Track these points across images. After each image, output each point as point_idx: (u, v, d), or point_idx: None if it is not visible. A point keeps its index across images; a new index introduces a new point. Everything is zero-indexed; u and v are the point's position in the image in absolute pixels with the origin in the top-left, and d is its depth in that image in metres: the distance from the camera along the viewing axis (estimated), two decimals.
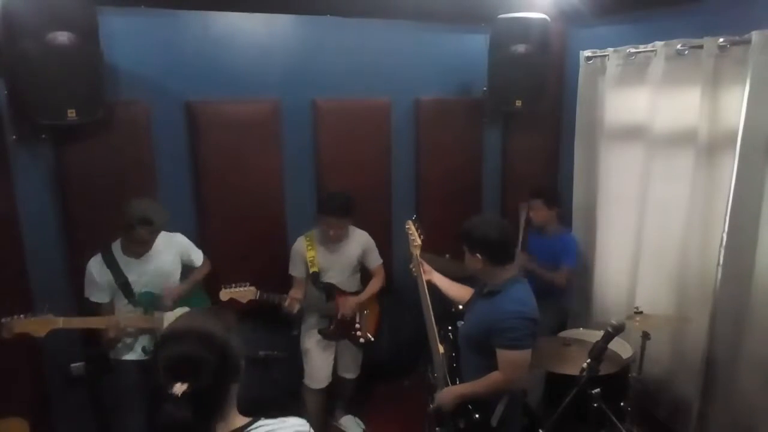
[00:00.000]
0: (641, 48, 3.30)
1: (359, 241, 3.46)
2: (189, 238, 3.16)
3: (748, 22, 2.71)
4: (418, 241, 2.79)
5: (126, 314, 2.84)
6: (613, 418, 2.67)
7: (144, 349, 2.89)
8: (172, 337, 1.34)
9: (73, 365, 3.27)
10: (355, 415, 3.77)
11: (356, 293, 3.49)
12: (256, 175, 3.50)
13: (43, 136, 2.97)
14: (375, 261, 3.53)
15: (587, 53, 3.74)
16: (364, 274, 3.58)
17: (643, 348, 3.00)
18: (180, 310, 2.97)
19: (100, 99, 2.86)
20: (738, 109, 2.75)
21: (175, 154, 3.35)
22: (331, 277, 3.41)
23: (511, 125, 4.25)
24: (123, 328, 2.78)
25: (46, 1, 2.63)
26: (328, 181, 3.69)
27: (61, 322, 2.65)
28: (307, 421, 1.47)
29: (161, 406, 1.24)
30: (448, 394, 2.49)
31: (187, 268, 3.11)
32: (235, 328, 1.41)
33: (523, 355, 2.29)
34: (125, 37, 3.10)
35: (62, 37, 2.64)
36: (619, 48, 3.46)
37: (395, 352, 4.00)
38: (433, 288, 2.77)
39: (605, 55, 3.59)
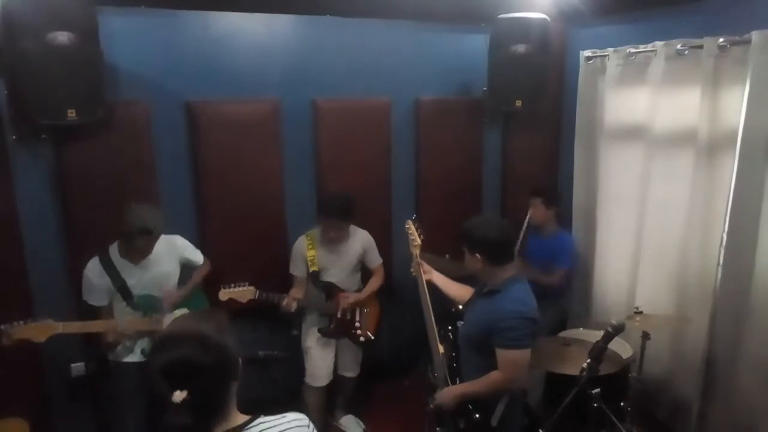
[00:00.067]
0: (641, 48, 3.30)
1: (360, 240, 3.46)
2: (189, 238, 3.16)
3: (748, 22, 2.71)
4: (418, 241, 2.79)
5: (125, 317, 2.83)
6: (613, 418, 2.67)
7: (143, 352, 2.88)
8: (166, 343, 1.33)
9: (73, 365, 3.27)
10: (355, 414, 3.77)
11: (356, 292, 3.49)
12: (256, 175, 3.50)
13: (43, 136, 2.97)
14: (375, 260, 3.54)
15: (587, 53, 3.74)
16: (365, 273, 3.58)
17: (643, 348, 3.00)
18: (180, 311, 2.97)
19: (100, 99, 2.86)
20: (738, 109, 2.75)
21: (175, 154, 3.35)
22: (332, 276, 3.41)
23: (511, 125, 4.25)
24: (122, 332, 2.78)
25: (46, 1, 2.63)
26: (328, 181, 3.69)
27: (60, 327, 2.64)
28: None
29: (161, 413, 1.24)
30: (449, 393, 2.49)
31: (186, 268, 3.10)
32: (229, 328, 1.40)
33: (523, 355, 2.29)
34: (125, 37, 3.10)
35: (62, 37, 2.64)
36: (619, 48, 3.46)
37: (395, 351, 4.00)
38: (433, 288, 2.77)
39: (605, 55, 3.59)
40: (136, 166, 3.19)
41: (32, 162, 3.02)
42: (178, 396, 1.23)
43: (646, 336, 2.97)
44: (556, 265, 3.70)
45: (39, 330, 2.60)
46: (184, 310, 2.98)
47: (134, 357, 2.91)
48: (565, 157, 4.14)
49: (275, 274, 3.46)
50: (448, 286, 2.81)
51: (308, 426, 1.45)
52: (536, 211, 3.78)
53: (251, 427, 1.38)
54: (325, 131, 3.67)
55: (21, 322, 2.58)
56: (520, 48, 3.66)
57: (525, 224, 3.78)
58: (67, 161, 3.06)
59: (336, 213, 3.23)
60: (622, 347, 3.12)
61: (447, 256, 3.62)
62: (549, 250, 3.75)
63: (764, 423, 2.84)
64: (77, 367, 3.27)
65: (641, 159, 3.37)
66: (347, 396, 3.73)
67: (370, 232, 3.52)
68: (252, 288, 3.20)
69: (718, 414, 3.09)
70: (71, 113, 2.73)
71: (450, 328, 3.09)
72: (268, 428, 1.39)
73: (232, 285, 3.18)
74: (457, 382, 2.57)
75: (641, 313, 3.00)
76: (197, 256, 3.13)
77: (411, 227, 2.84)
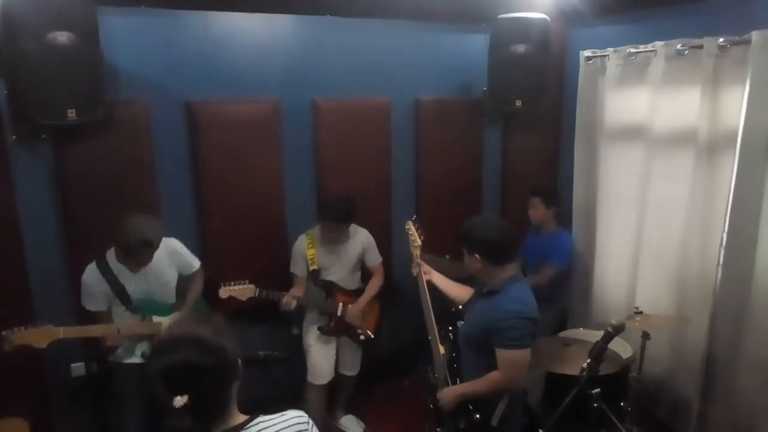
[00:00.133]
0: (641, 48, 3.30)
1: (360, 239, 3.47)
2: (189, 238, 3.16)
3: (748, 22, 2.71)
4: (418, 242, 2.79)
5: (124, 321, 2.82)
6: (613, 418, 2.67)
7: (143, 355, 2.88)
8: (165, 347, 1.33)
9: (73, 365, 3.27)
10: (355, 414, 3.77)
11: (356, 291, 3.50)
12: (256, 175, 3.50)
13: (43, 136, 2.97)
14: (375, 259, 3.54)
15: (587, 53, 3.74)
16: (365, 271, 3.58)
17: (643, 348, 3.00)
18: (178, 315, 2.97)
19: (100, 99, 2.86)
20: (738, 109, 2.75)
21: (175, 154, 3.35)
22: (332, 275, 3.42)
23: (511, 125, 4.25)
24: (122, 336, 2.77)
25: (46, 1, 2.63)
26: (328, 181, 3.69)
27: (61, 332, 2.62)
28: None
29: (161, 413, 1.24)
30: (449, 393, 2.49)
31: (182, 277, 3.06)
32: (227, 330, 1.40)
33: (523, 355, 2.29)
34: (125, 37, 3.10)
35: (62, 37, 2.64)
36: (619, 48, 3.46)
37: (395, 352, 4.00)
38: (433, 288, 2.77)
39: (605, 55, 3.59)
40: (136, 166, 3.19)
41: (32, 162, 3.02)
42: (179, 401, 1.23)
43: (646, 336, 2.97)
44: (548, 265, 3.70)
45: (40, 335, 2.59)
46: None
47: (134, 359, 2.90)
48: (565, 157, 4.14)
49: (275, 274, 3.46)
50: (447, 286, 2.82)
51: (308, 423, 1.46)
52: (536, 211, 3.78)
53: (250, 426, 1.39)
54: (325, 131, 3.67)
55: (22, 327, 2.57)
56: (520, 48, 3.66)
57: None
58: (67, 161, 3.06)
59: (336, 215, 3.23)
60: (622, 347, 3.12)
61: (447, 256, 3.62)
62: (547, 250, 3.75)
63: (764, 423, 2.84)
64: (77, 367, 3.28)
65: (641, 159, 3.37)
66: (347, 395, 3.72)
67: (370, 232, 3.52)
68: (252, 286, 3.20)
69: (718, 414, 3.09)
70: (71, 113, 2.73)
71: (450, 328, 3.09)
72: (267, 427, 1.40)
73: (233, 283, 3.18)
74: (458, 382, 2.58)
75: (641, 313, 3.00)
76: (193, 261, 3.09)
77: (411, 228, 2.85)
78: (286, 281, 3.41)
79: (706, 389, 3.14)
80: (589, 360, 2.29)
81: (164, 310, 2.93)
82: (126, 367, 2.89)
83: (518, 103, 3.77)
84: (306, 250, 3.36)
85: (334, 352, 3.50)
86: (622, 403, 2.90)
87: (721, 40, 2.80)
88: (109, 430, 3.21)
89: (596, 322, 3.73)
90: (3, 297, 2.88)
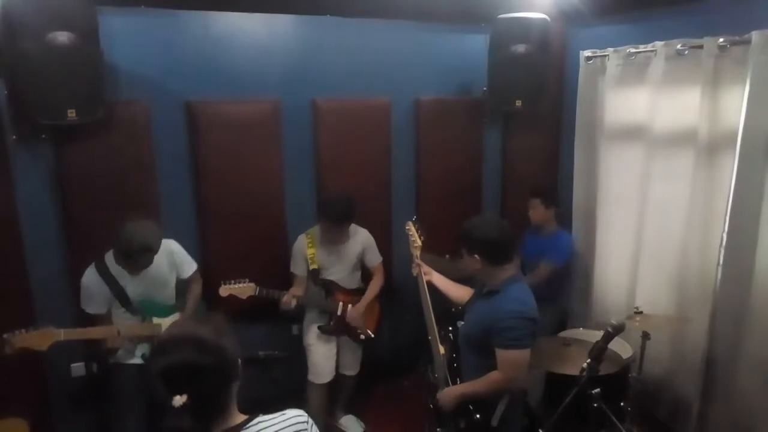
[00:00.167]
0: (641, 48, 3.30)
1: (360, 239, 3.47)
2: (189, 238, 3.16)
3: (748, 22, 2.71)
4: (419, 242, 2.79)
5: (124, 322, 2.82)
6: (613, 418, 2.67)
7: (143, 356, 2.88)
8: (165, 347, 1.33)
9: (73, 365, 3.27)
10: (355, 414, 3.77)
11: (356, 290, 3.50)
12: (256, 175, 3.50)
13: (43, 136, 2.97)
14: (375, 259, 3.54)
15: (587, 53, 3.74)
16: (365, 271, 3.58)
17: (643, 348, 3.00)
18: (177, 316, 2.97)
19: (100, 99, 2.86)
20: (738, 109, 2.75)
21: (175, 154, 3.35)
22: (332, 275, 3.42)
23: (511, 125, 4.25)
24: (122, 338, 2.77)
25: (46, 1, 2.63)
26: (328, 181, 3.69)
27: (62, 335, 2.62)
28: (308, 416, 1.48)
29: (161, 413, 1.24)
30: (449, 393, 2.49)
31: (180, 281, 3.05)
32: (227, 330, 1.40)
33: (523, 355, 2.29)
34: (125, 37, 3.10)
35: (62, 37, 2.64)
36: (619, 48, 3.46)
37: (395, 352, 4.00)
38: (433, 289, 2.77)
39: (605, 55, 3.59)
40: (136, 166, 3.19)
41: (32, 162, 3.02)
42: (178, 401, 1.23)
43: (646, 336, 2.97)
44: (543, 262, 3.69)
45: (40, 338, 2.58)
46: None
47: (135, 359, 2.90)
48: (565, 157, 4.14)
49: (275, 274, 3.46)
50: (447, 287, 2.81)
51: (307, 422, 1.45)
52: (535, 212, 3.78)
53: (250, 426, 1.39)
54: (325, 131, 3.67)
55: (23, 330, 2.57)
56: (520, 48, 3.66)
57: None
58: (67, 161, 3.06)
59: (336, 216, 3.23)
60: (622, 347, 3.12)
61: (447, 256, 3.62)
62: (545, 250, 3.74)
63: (764, 423, 2.84)
64: (77, 367, 3.28)
65: (641, 159, 3.37)
66: (347, 395, 3.72)
67: (370, 232, 3.52)
68: (252, 284, 3.21)
69: (718, 414, 3.09)
70: (71, 113, 2.73)
71: (450, 328, 3.09)
72: (267, 427, 1.40)
73: (233, 281, 3.19)
74: (458, 382, 2.58)
75: (641, 313, 3.00)
76: (189, 265, 3.05)
77: (411, 229, 2.85)
78: (286, 281, 3.41)
79: (706, 389, 3.14)
80: (589, 360, 2.29)
81: (164, 312, 2.93)
82: (126, 368, 2.89)
83: (518, 103, 3.77)
84: (306, 249, 3.36)
85: (334, 351, 3.50)
86: (622, 403, 2.90)
87: (721, 40, 2.80)
88: (109, 430, 3.21)
89: (596, 322, 3.73)
90: (3, 297, 2.88)
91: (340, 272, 3.43)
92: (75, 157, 3.06)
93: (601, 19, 3.74)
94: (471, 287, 2.71)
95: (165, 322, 2.87)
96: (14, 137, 2.91)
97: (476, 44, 3.91)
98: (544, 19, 3.68)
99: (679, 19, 3.21)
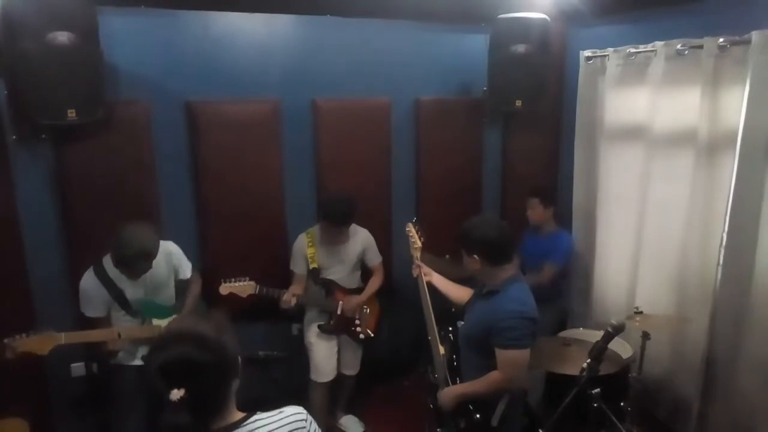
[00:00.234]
0: (641, 48, 3.30)
1: (360, 239, 3.47)
2: (189, 238, 3.16)
3: (748, 22, 2.71)
4: (419, 243, 2.79)
5: (124, 324, 2.82)
6: (613, 418, 2.67)
7: (143, 358, 2.87)
8: (164, 342, 1.33)
9: (73, 365, 3.27)
10: (355, 414, 3.77)
11: (356, 290, 3.50)
12: (256, 175, 3.50)
13: (43, 136, 2.97)
14: (375, 259, 3.54)
15: (587, 53, 3.74)
16: (365, 270, 3.58)
17: (643, 348, 3.00)
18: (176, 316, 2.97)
19: (100, 99, 2.86)
20: (738, 109, 2.75)
21: (175, 154, 3.35)
22: (332, 275, 3.42)
23: (511, 125, 4.25)
24: (123, 341, 2.77)
25: (46, 1, 2.63)
26: (328, 181, 3.69)
27: (63, 338, 2.62)
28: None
29: (160, 412, 1.24)
30: (449, 393, 2.49)
31: (178, 283, 3.04)
32: (228, 327, 1.40)
33: (523, 355, 2.29)
34: (125, 37, 3.10)
35: (62, 37, 2.64)
36: (619, 48, 3.46)
37: (395, 351, 4.00)
38: (433, 289, 2.77)
39: (605, 55, 3.59)
40: (136, 166, 3.19)
41: (32, 162, 3.02)
42: (176, 394, 1.23)
43: (646, 336, 2.97)
44: (547, 264, 3.70)
45: (41, 342, 2.58)
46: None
47: (135, 361, 2.89)
48: (565, 157, 4.14)
49: (275, 274, 3.46)
50: (447, 287, 2.81)
51: (306, 419, 1.45)
52: (534, 212, 3.78)
53: (247, 423, 1.38)
54: (325, 131, 3.67)
55: (24, 334, 2.56)
56: (520, 48, 3.66)
57: None
58: (67, 161, 3.06)
59: (336, 217, 3.23)
60: (622, 347, 3.12)
61: (447, 256, 3.62)
62: (545, 250, 3.75)
63: (764, 423, 2.84)
64: (77, 368, 3.28)
65: (641, 159, 3.37)
66: (347, 395, 3.72)
67: (371, 232, 3.52)
68: (252, 283, 3.21)
69: (718, 414, 3.09)
70: (71, 113, 2.73)
71: (450, 328, 3.09)
72: (265, 425, 1.39)
73: (233, 279, 3.19)
74: (458, 382, 2.57)
75: (641, 313, 3.00)
76: (186, 268, 3.04)
77: (411, 230, 2.85)
78: (286, 282, 3.41)
79: (706, 389, 3.14)
80: (589, 360, 2.29)
81: (164, 313, 2.92)
82: (127, 370, 2.88)
83: (518, 103, 3.77)
84: (306, 248, 3.37)
85: (336, 349, 3.49)
86: (622, 403, 2.90)
87: (721, 40, 2.80)
88: (109, 431, 3.21)
89: (596, 322, 3.73)
90: (3, 297, 2.88)
91: (340, 272, 3.43)
92: (75, 157, 3.06)
93: (601, 19, 3.74)
94: (471, 287, 2.71)
95: (165, 324, 2.87)
96: (14, 137, 2.91)
97: (476, 44, 3.91)
98: (544, 19, 3.68)
99: (679, 19, 3.21)
